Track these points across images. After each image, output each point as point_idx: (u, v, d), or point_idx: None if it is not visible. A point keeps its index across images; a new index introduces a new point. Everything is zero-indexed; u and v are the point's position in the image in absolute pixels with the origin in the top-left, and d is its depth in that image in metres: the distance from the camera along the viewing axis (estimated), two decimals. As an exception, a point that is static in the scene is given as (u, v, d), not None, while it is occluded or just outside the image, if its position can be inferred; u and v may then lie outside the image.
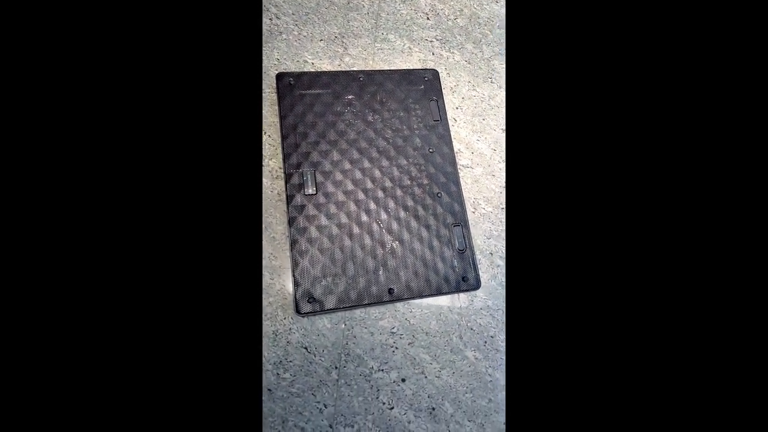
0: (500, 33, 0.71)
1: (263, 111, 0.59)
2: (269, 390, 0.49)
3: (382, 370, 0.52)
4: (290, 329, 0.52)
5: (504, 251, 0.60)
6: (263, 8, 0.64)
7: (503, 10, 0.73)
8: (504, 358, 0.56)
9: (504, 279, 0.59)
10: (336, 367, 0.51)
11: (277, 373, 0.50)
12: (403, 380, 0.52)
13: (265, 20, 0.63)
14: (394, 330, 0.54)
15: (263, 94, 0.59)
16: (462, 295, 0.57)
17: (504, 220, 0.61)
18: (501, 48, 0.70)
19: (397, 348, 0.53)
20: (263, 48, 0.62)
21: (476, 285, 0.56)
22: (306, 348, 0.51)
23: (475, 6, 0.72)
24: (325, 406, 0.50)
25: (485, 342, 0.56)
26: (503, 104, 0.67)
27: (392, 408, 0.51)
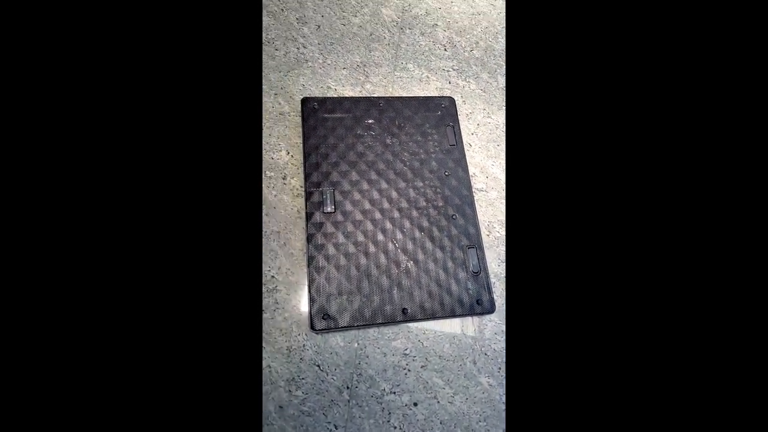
0: (515, 64, 0.74)
1: (288, 132, 0.62)
2: (281, 407, 0.49)
3: (394, 392, 0.52)
4: (304, 345, 0.52)
5: (519, 275, 0.60)
6: (291, 38, 0.68)
7: (518, 43, 0.76)
8: (519, 385, 0.54)
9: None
10: (348, 387, 0.51)
11: (290, 390, 0.50)
12: (416, 404, 0.51)
13: (292, 49, 0.68)
14: (407, 351, 0.54)
15: (288, 117, 0.63)
16: (476, 318, 0.56)
17: (519, 244, 0.62)
18: (515, 78, 0.73)
19: (409, 370, 0.53)
20: (289, 74, 0.66)
21: (491, 309, 0.55)
22: (319, 366, 0.51)
23: (491, 39, 0.76)
24: (336, 428, 0.49)
25: (499, 368, 0.55)
26: (518, 131, 0.69)
27: (403, 433, 0.50)
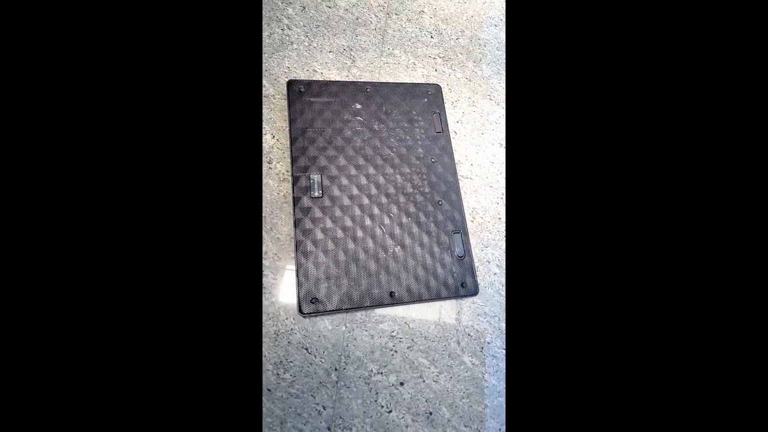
0: (499, 54, 0.75)
1: (273, 115, 0.61)
2: (269, 390, 0.49)
3: (381, 373, 0.53)
4: (291, 329, 0.52)
5: (501, 260, 0.62)
6: (276, 19, 0.66)
7: (502, 34, 0.77)
8: (500, 364, 0.57)
9: (501, 287, 0.60)
10: (336, 369, 0.52)
11: (278, 374, 0.50)
12: (402, 384, 0.53)
13: (277, 30, 0.66)
14: (394, 333, 0.55)
15: (273, 100, 0.61)
16: (460, 300, 0.58)
17: (501, 230, 0.64)
18: (499, 68, 0.74)
19: (396, 351, 0.54)
20: (274, 56, 0.64)
21: (474, 291, 0.57)
22: (306, 349, 0.52)
23: (476, 28, 0.77)
24: (324, 408, 0.50)
25: (482, 348, 0.57)
26: (501, 120, 0.71)
27: (390, 411, 0.51)
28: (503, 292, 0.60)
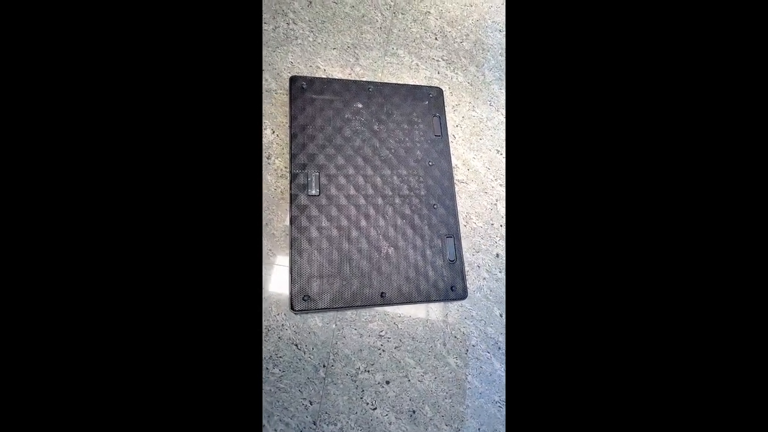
0: (501, 59, 0.76)
1: (273, 110, 0.60)
2: (257, 383, 0.50)
3: (368, 371, 0.54)
4: (283, 325, 0.53)
5: (491, 265, 0.63)
6: (282, 12, 0.66)
7: (505, 39, 0.77)
8: (484, 367, 0.58)
9: (489, 291, 0.62)
10: (324, 366, 0.53)
11: (267, 368, 0.51)
12: (388, 382, 0.54)
13: (282, 24, 0.65)
14: (383, 333, 0.56)
15: (275, 95, 0.61)
16: (449, 303, 0.60)
17: (492, 235, 0.65)
18: (501, 73, 0.75)
19: (384, 351, 0.55)
20: (278, 51, 0.64)
21: (463, 295, 0.58)
22: (296, 345, 0.53)
23: (480, 33, 0.77)
24: (311, 403, 0.51)
25: (467, 350, 0.59)
26: (499, 126, 0.71)
27: (375, 408, 0.53)
28: (491, 297, 0.62)
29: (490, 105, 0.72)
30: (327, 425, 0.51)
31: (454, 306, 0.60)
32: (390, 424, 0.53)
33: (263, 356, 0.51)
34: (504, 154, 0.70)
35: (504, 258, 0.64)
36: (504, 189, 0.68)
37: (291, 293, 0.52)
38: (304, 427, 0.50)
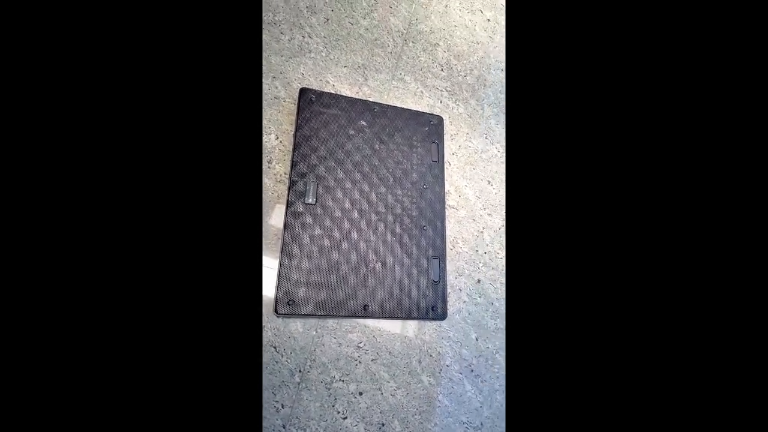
0: (501, 96, 0.80)
1: (280, 118, 0.63)
2: (233, 382, 0.50)
3: (343, 380, 0.55)
4: (263, 326, 0.54)
5: (471, 289, 0.66)
6: (298, 25, 0.69)
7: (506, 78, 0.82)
8: (455, 387, 0.60)
9: (468, 315, 0.64)
10: (300, 371, 0.54)
11: (244, 368, 0.51)
12: (361, 393, 0.55)
13: (297, 36, 0.68)
14: (361, 345, 0.57)
15: (283, 103, 0.63)
16: (428, 323, 0.62)
17: (476, 261, 0.68)
18: (499, 110, 0.79)
19: (360, 362, 0.57)
20: (291, 61, 0.66)
21: (443, 316, 0.61)
22: (275, 347, 0.54)
23: (484, 69, 0.81)
24: (282, 407, 0.52)
25: (441, 370, 0.60)
26: (492, 159, 0.76)
27: (345, 418, 0.54)
28: (469, 321, 0.64)
29: (485, 138, 0.76)
30: (296, 430, 0.51)
31: (432, 325, 0.62)
32: (358, 435, 0.53)
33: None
34: (494, 185, 0.74)
35: (484, 284, 0.67)
36: (491, 218, 0.71)
37: (276, 296, 0.53)
38: (273, 430, 0.50)
